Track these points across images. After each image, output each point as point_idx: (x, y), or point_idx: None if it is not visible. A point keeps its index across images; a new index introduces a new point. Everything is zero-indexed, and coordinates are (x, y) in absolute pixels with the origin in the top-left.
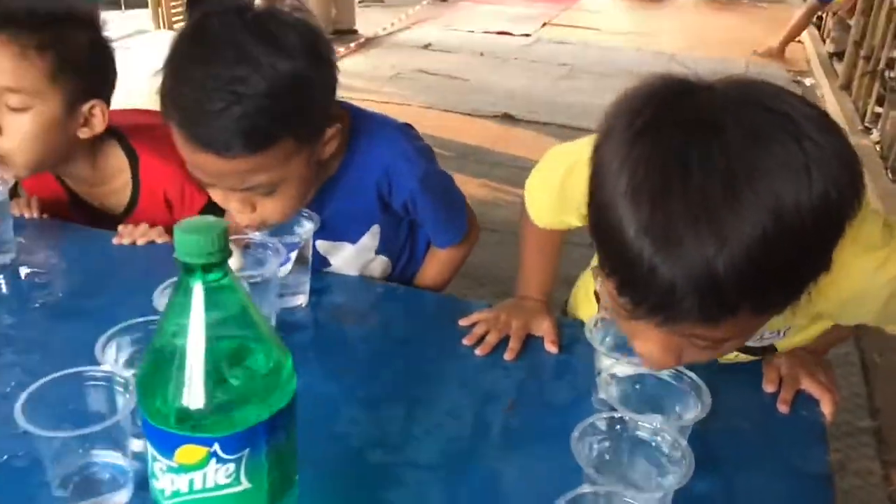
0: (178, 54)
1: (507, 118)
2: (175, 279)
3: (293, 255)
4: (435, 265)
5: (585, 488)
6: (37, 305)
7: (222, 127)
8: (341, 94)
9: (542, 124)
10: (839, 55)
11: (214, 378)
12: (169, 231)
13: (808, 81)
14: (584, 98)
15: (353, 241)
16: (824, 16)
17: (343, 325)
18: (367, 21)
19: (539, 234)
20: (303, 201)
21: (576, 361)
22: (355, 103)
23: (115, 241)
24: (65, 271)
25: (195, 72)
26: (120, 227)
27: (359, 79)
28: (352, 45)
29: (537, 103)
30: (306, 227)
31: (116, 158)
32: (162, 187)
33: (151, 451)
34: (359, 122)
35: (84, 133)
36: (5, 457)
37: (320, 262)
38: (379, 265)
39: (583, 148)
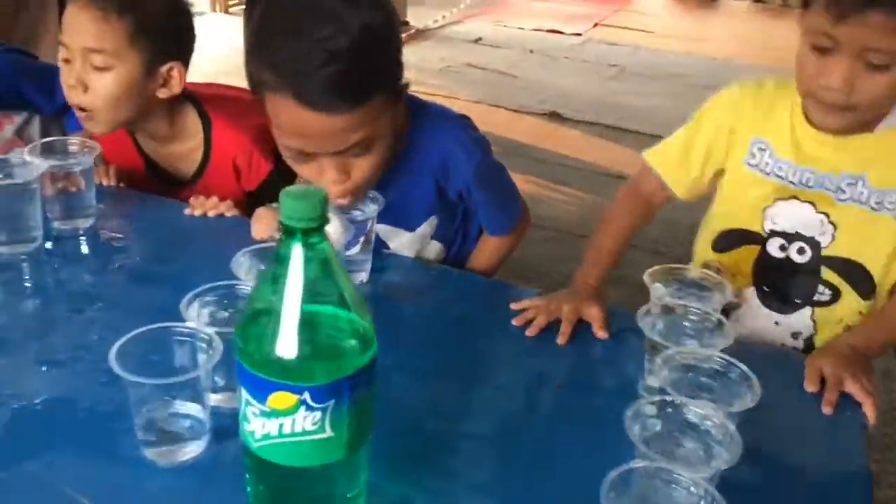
0: (260, 26)
1: (555, 116)
2: (249, 248)
3: (362, 238)
4: (486, 252)
5: (637, 463)
6: (116, 267)
7: (324, 85)
8: None
9: (589, 124)
10: None
11: (308, 333)
12: (238, 204)
13: None
14: (632, 100)
15: (412, 229)
16: None
17: (400, 303)
18: (418, 13)
19: (624, 215)
20: (383, 168)
21: (624, 349)
22: None
23: (186, 211)
24: (141, 237)
25: (285, 37)
26: (192, 199)
27: (408, 70)
28: (402, 36)
29: (585, 103)
30: (371, 209)
31: (191, 120)
32: (232, 152)
33: (245, 395)
34: (418, 111)
35: (163, 93)
36: (90, 403)
37: (379, 244)
38: (433, 250)
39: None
